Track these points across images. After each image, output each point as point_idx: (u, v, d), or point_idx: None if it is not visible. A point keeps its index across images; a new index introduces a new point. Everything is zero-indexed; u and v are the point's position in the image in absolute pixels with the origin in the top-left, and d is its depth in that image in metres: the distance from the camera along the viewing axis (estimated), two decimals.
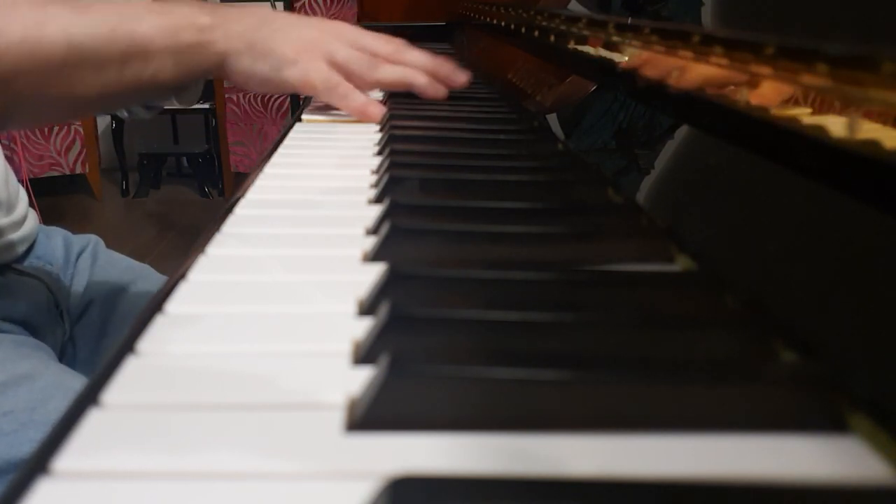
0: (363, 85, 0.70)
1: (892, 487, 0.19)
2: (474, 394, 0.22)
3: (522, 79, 0.82)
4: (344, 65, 0.67)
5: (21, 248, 0.72)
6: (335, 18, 2.59)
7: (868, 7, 0.30)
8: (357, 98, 0.67)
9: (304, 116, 0.71)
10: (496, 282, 0.30)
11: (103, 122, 3.40)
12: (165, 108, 0.83)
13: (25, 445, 0.53)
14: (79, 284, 0.76)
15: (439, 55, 0.75)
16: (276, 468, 0.20)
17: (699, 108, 0.40)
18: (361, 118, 0.69)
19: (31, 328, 0.68)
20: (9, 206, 0.71)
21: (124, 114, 0.81)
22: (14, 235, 0.71)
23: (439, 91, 0.73)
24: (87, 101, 0.58)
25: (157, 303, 0.29)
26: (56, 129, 3.03)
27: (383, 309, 0.26)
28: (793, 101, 0.31)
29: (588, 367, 0.23)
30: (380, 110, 0.68)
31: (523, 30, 0.84)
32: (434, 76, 0.74)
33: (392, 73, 0.71)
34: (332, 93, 0.66)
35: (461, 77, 0.75)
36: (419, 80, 0.72)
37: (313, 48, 0.65)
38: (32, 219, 0.75)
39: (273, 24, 0.65)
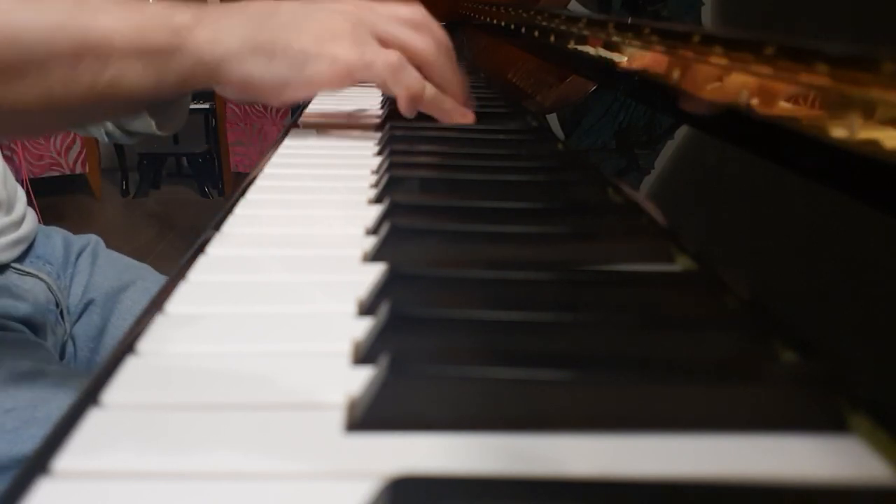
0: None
1: (892, 487, 0.19)
2: (474, 394, 0.22)
3: (522, 79, 0.82)
4: (396, 42, 0.53)
5: (20, 248, 0.72)
6: None
7: (868, 7, 0.30)
8: (417, 79, 0.54)
9: (301, 121, 0.70)
10: (496, 282, 0.30)
11: None
12: (157, 136, 0.71)
13: (28, 443, 0.53)
14: (79, 284, 0.76)
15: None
16: (275, 468, 0.20)
17: (699, 108, 0.40)
18: (455, 120, 0.58)
19: (32, 327, 0.68)
20: (8, 206, 0.71)
21: (103, 136, 0.73)
22: (13, 235, 0.71)
23: (454, 120, 0.60)
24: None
25: (157, 303, 0.29)
26: None
27: (383, 309, 0.26)
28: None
29: (588, 367, 0.23)
30: (471, 114, 0.57)
31: (523, 30, 0.84)
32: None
33: (417, 90, 0.56)
34: (396, 74, 0.52)
35: (469, 117, 0.62)
36: (444, 107, 0.59)
37: (343, 31, 0.52)
38: (31, 218, 0.75)
39: (278, 17, 0.52)
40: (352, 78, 0.53)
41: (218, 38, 0.50)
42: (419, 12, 0.57)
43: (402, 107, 0.57)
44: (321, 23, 0.53)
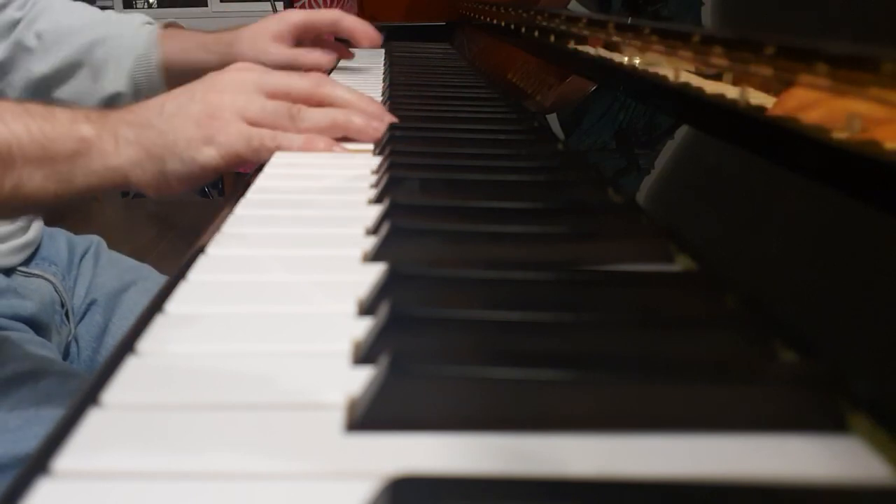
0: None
1: (892, 487, 0.19)
2: (474, 394, 0.22)
3: (522, 79, 0.82)
4: (259, 121, 0.53)
5: (27, 252, 0.72)
6: None
7: (868, 7, 0.30)
8: (293, 140, 0.54)
9: None
10: (496, 282, 0.30)
11: None
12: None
13: (31, 441, 0.54)
14: (82, 285, 0.77)
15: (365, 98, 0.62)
16: (276, 468, 0.20)
17: (699, 107, 0.40)
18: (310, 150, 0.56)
19: (36, 327, 0.68)
20: None
21: None
22: (20, 240, 0.71)
23: (378, 131, 0.58)
24: None
25: (157, 303, 0.29)
26: None
27: (383, 309, 0.26)
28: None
29: (588, 367, 0.23)
30: (327, 142, 0.56)
31: (523, 30, 0.84)
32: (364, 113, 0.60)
33: (320, 119, 0.56)
34: (261, 151, 0.53)
35: (387, 120, 0.61)
36: (355, 123, 0.58)
37: (221, 113, 0.52)
38: (37, 223, 0.75)
39: (166, 110, 0.52)
40: (244, 160, 0.53)
41: (118, 148, 0.50)
42: (307, 81, 0.58)
43: (306, 148, 0.56)
44: (203, 105, 0.53)
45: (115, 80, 0.82)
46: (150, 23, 0.87)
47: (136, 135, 0.51)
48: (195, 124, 0.51)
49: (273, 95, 0.55)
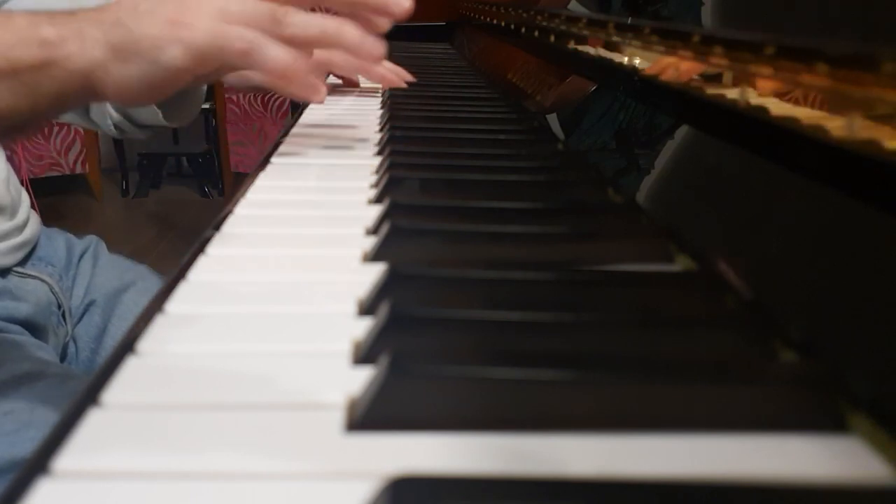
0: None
1: (892, 487, 0.19)
2: (474, 394, 0.22)
3: (522, 79, 0.82)
4: (237, 22, 0.48)
5: (23, 252, 0.72)
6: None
7: (868, 7, 0.30)
8: (269, 52, 0.48)
9: (301, 120, 0.69)
10: (496, 282, 0.30)
11: None
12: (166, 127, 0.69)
13: (27, 444, 0.53)
14: (80, 286, 0.76)
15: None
16: (276, 468, 0.20)
17: (698, 107, 0.40)
18: (285, 82, 0.51)
19: (33, 329, 0.68)
20: (11, 211, 0.71)
21: (111, 129, 0.71)
22: (16, 240, 0.71)
23: (373, 50, 0.52)
24: None
25: (157, 303, 0.29)
26: (56, 128, 3.03)
27: (383, 309, 0.26)
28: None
29: (588, 367, 0.23)
30: (308, 85, 0.51)
31: (523, 30, 0.84)
32: (368, 8, 0.54)
33: (308, 25, 0.50)
34: (226, 51, 0.47)
35: (402, 4, 0.54)
36: (347, 35, 0.51)
37: (194, 11, 0.47)
38: (35, 222, 0.75)
39: (140, 7, 0.48)
40: (206, 63, 0.48)
41: (83, 47, 0.47)
42: None
43: (277, 86, 0.51)
44: (178, 2, 0.48)
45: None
46: None
47: (104, 33, 0.47)
48: (166, 22, 0.47)
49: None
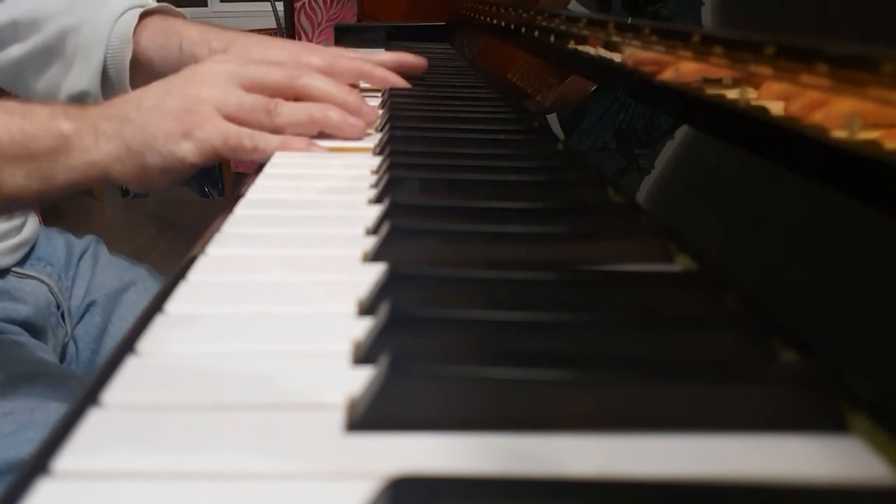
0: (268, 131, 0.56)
1: (892, 487, 0.19)
2: (474, 394, 0.22)
3: (522, 79, 0.82)
4: (236, 115, 0.53)
5: (21, 253, 0.72)
6: (335, 19, 2.58)
7: (868, 7, 0.30)
8: (270, 141, 0.54)
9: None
10: (496, 282, 0.30)
11: None
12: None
13: (25, 446, 0.53)
14: (80, 286, 0.76)
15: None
16: (276, 468, 0.20)
17: (698, 107, 0.40)
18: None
19: (33, 329, 0.68)
20: None
21: None
22: (14, 240, 0.71)
23: (354, 127, 0.58)
24: None
25: (157, 303, 0.29)
26: None
27: (383, 309, 0.26)
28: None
29: (588, 367, 0.23)
30: (304, 142, 0.56)
31: (523, 30, 0.84)
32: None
33: (296, 115, 0.56)
34: (238, 150, 0.53)
35: (366, 111, 0.60)
36: (331, 119, 0.57)
37: (198, 108, 0.52)
38: (33, 222, 0.75)
39: (144, 104, 0.52)
40: (220, 156, 0.53)
41: (98, 143, 0.51)
42: (284, 72, 0.58)
43: (283, 149, 0.55)
44: (180, 99, 0.53)
45: (81, 76, 0.73)
46: (135, 6, 0.75)
47: (116, 129, 0.51)
48: (173, 118, 0.51)
49: (250, 88, 0.55)
